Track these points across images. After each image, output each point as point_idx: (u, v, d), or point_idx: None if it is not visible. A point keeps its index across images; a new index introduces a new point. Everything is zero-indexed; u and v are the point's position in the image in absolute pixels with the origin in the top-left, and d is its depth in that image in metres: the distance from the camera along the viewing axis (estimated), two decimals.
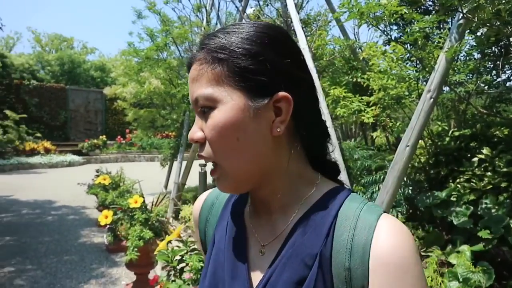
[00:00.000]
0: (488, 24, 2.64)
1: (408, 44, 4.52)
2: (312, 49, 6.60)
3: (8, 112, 17.35)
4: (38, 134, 18.37)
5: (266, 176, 0.62)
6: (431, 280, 2.65)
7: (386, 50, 4.18)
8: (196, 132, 0.60)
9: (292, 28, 6.25)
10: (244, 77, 0.57)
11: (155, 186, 7.57)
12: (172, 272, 2.14)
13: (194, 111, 0.63)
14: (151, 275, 3.64)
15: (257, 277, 0.62)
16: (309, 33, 7.08)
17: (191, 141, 0.61)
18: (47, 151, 17.24)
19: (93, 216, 6.88)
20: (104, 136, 20.03)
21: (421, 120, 2.85)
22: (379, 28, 3.62)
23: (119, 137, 20.31)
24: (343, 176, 3.95)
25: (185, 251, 2.21)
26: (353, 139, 6.88)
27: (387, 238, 0.54)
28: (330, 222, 0.59)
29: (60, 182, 11.55)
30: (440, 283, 2.63)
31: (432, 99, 2.84)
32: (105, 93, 16.51)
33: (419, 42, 3.31)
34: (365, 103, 4.06)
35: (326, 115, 4.18)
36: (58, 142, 18.87)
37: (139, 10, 7.48)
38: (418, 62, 4.37)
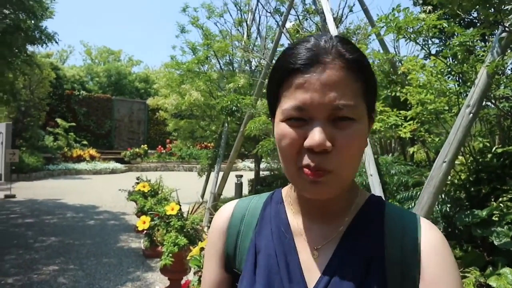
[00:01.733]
0: None
1: (450, 58, 4.42)
2: None
3: (59, 120, 18.45)
4: (85, 142, 19.37)
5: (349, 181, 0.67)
6: None
7: (425, 64, 4.11)
8: (327, 141, 0.58)
9: None
10: (370, 96, 0.63)
11: (192, 195, 7.74)
12: None
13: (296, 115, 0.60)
14: (184, 281, 3.73)
15: (312, 278, 0.65)
16: None
17: (319, 148, 0.57)
18: (92, 158, 18.10)
19: (132, 222, 7.14)
20: (146, 145, 20.77)
21: (459, 135, 2.78)
22: (417, 43, 3.57)
23: (159, 146, 20.97)
24: (378, 191, 3.89)
25: None
26: (390, 154, 6.74)
27: (432, 234, 0.65)
28: (380, 223, 0.67)
29: (103, 188, 12.07)
30: None
31: (471, 114, 2.77)
32: (148, 103, 17.18)
33: (459, 56, 3.24)
34: (403, 118, 3.99)
35: None
36: (102, 150, 19.77)
37: (182, 24, 7.80)
38: (459, 76, 4.26)
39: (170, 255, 3.32)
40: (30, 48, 8.47)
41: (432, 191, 2.79)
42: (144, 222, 3.80)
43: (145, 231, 4.13)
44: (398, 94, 5.20)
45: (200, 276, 2.27)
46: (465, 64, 3.38)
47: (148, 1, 75.68)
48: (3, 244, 5.62)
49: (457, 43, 3.07)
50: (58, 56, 30.98)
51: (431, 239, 0.63)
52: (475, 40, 3.56)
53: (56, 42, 7.61)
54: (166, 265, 3.26)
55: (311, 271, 0.65)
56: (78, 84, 22.64)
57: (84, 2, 70.20)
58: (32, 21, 7.60)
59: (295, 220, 0.72)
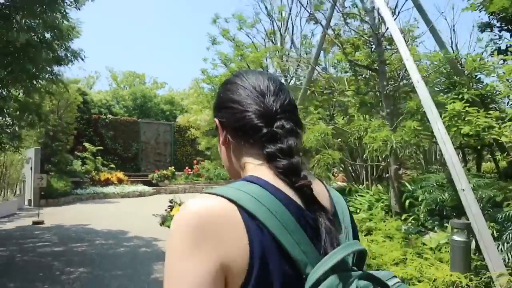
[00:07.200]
0: None
1: None
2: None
3: (87, 144, 18.34)
4: (112, 165, 19.14)
5: (238, 174, 0.81)
6: None
7: None
8: None
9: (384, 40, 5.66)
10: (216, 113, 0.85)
11: None
12: None
13: None
14: None
15: None
16: (395, 50, 6.43)
17: None
18: (120, 181, 17.80)
19: (165, 249, 6.55)
20: (173, 167, 20.39)
21: None
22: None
23: (186, 168, 20.55)
24: (475, 210, 3.15)
25: None
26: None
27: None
28: None
29: (132, 211, 11.63)
30: None
31: None
32: (178, 121, 16.99)
33: None
34: (494, 119, 3.28)
35: (443, 136, 3.44)
36: (129, 173, 19.49)
37: (213, 36, 7.33)
38: None
39: None
40: (55, 68, 8.15)
41: None
42: None
43: None
44: (466, 96, 4.49)
45: None
46: None
47: (170, 23, 77.45)
48: (28, 276, 5.12)
49: None
50: (86, 82, 31.53)
51: None
52: None
53: (82, 59, 7.28)
54: None
55: None
56: (105, 108, 22.68)
57: (107, 29, 72.39)
58: (58, 41, 7.30)
59: None
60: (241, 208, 0.61)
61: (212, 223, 0.60)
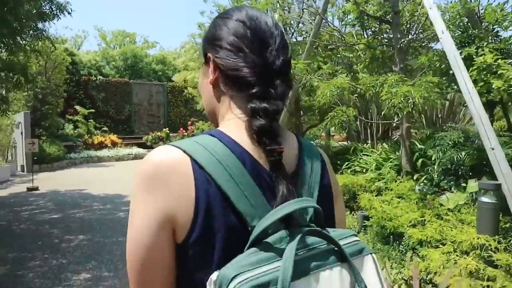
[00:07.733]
0: None
1: None
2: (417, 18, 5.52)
3: (78, 107, 17.82)
4: (105, 128, 18.75)
5: (215, 116, 0.78)
6: None
7: None
8: None
9: None
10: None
11: None
12: None
13: None
14: None
15: None
16: (407, 2, 5.99)
17: None
18: (114, 144, 17.50)
19: None
20: (167, 128, 20.05)
21: None
22: None
23: (181, 129, 20.22)
24: (505, 169, 2.93)
25: None
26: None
27: None
28: None
29: (127, 175, 11.41)
30: None
31: None
32: (174, 80, 16.51)
33: None
34: None
35: (470, 91, 3.16)
36: (123, 136, 19.15)
37: None
38: None
39: None
40: (40, 25, 7.57)
41: None
42: None
43: None
44: (486, 50, 4.16)
45: None
46: None
47: None
48: (26, 245, 4.93)
49: None
50: (73, 42, 30.34)
51: None
52: None
53: (69, 13, 6.73)
54: None
55: None
56: (95, 69, 21.90)
57: None
58: None
59: None
60: (193, 160, 0.62)
61: (163, 173, 0.62)
